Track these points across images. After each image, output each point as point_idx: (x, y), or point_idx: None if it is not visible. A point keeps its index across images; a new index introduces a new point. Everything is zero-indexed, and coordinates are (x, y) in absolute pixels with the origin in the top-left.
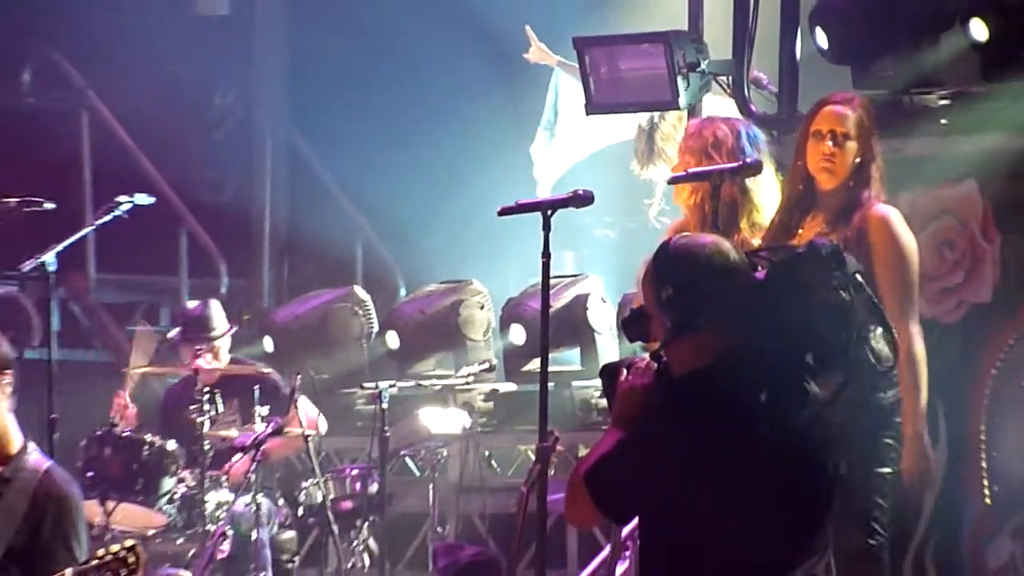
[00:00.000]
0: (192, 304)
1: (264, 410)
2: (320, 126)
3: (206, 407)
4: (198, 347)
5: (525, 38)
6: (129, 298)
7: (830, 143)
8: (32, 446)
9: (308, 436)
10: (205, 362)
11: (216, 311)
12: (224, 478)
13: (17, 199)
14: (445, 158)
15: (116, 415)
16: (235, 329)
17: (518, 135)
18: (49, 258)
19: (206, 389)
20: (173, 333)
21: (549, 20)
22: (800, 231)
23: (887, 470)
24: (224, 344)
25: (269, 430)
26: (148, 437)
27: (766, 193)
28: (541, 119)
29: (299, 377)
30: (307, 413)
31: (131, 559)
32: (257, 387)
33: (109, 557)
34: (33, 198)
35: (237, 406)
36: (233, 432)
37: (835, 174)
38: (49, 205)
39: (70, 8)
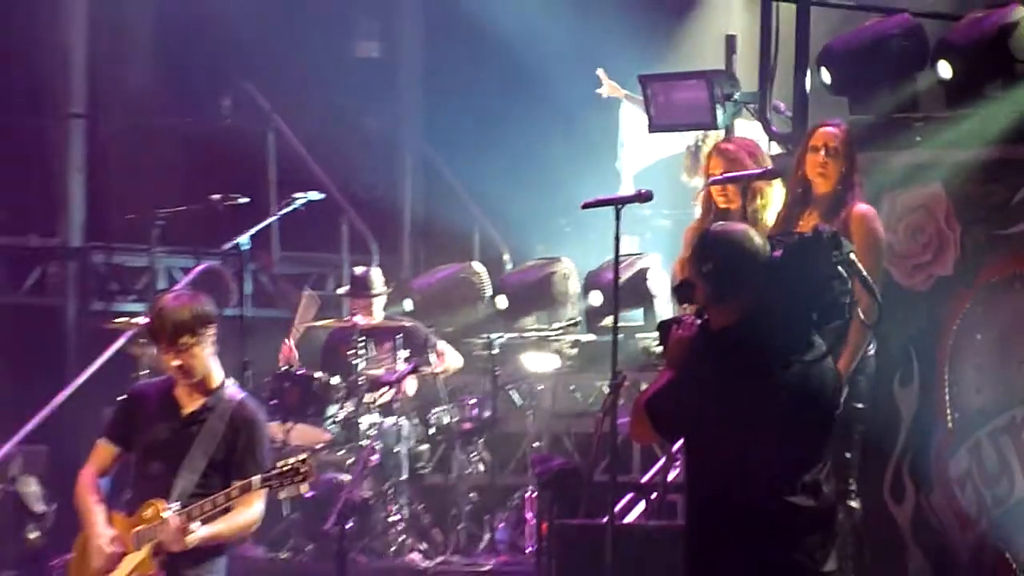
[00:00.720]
0: (359, 269)
1: (405, 353)
2: (448, 140)
3: (361, 351)
4: (361, 301)
5: (598, 78)
6: (303, 270)
7: (823, 155)
8: (230, 381)
9: (438, 374)
10: (361, 316)
11: (376, 276)
12: (374, 404)
13: (220, 196)
14: (543, 162)
15: (282, 358)
16: (390, 290)
17: (599, 146)
18: (244, 240)
19: (362, 337)
20: (343, 290)
21: (619, 61)
22: (800, 223)
23: (860, 405)
24: (379, 302)
25: (408, 369)
26: (317, 374)
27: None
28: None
29: (432, 329)
30: (447, 352)
31: (304, 468)
32: (400, 336)
33: (287, 467)
34: (232, 195)
35: (387, 350)
36: (381, 370)
37: (827, 179)
38: (244, 200)
39: (261, 50)
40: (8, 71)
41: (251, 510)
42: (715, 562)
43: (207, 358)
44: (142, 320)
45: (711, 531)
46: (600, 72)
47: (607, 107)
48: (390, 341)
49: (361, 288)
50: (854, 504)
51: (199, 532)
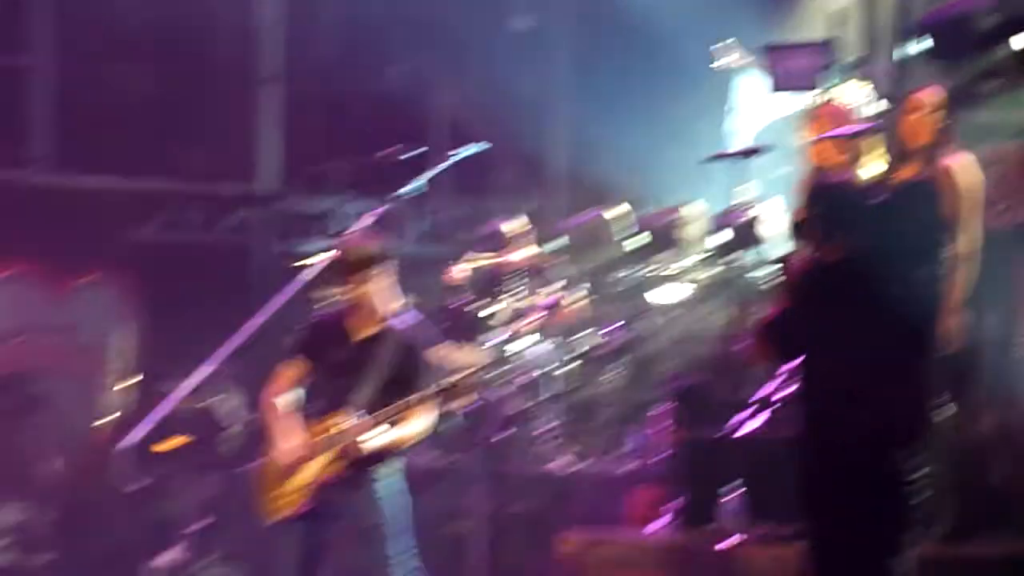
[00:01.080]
0: (490, 226)
1: (553, 287)
2: (594, 100)
3: (516, 283)
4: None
5: (725, 47)
6: (469, 212)
7: (921, 114)
8: (402, 310)
9: (583, 304)
10: (515, 256)
11: (507, 226)
12: (529, 329)
13: (396, 148)
14: (677, 118)
15: (448, 281)
16: (525, 230)
17: (721, 108)
18: (417, 186)
19: (516, 271)
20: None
21: (743, 32)
22: (900, 173)
23: None
24: (518, 245)
25: (555, 300)
26: (479, 303)
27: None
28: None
29: (576, 266)
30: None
31: (468, 384)
32: (549, 271)
33: (453, 383)
34: (407, 147)
35: (538, 282)
36: (533, 300)
37: (924, 135)
38: (418, 151)
39: (432, 22)
40: (214, 38)
41: (422, 420)
42: (826, 466)
43: (384, 289)
44: (327, 257)
45: (822, 440)
46: (727, 43)
47: (730, 73)
48: (540, 275)
49: (493, 243)
50: (948, 410)
51: (380, 438)
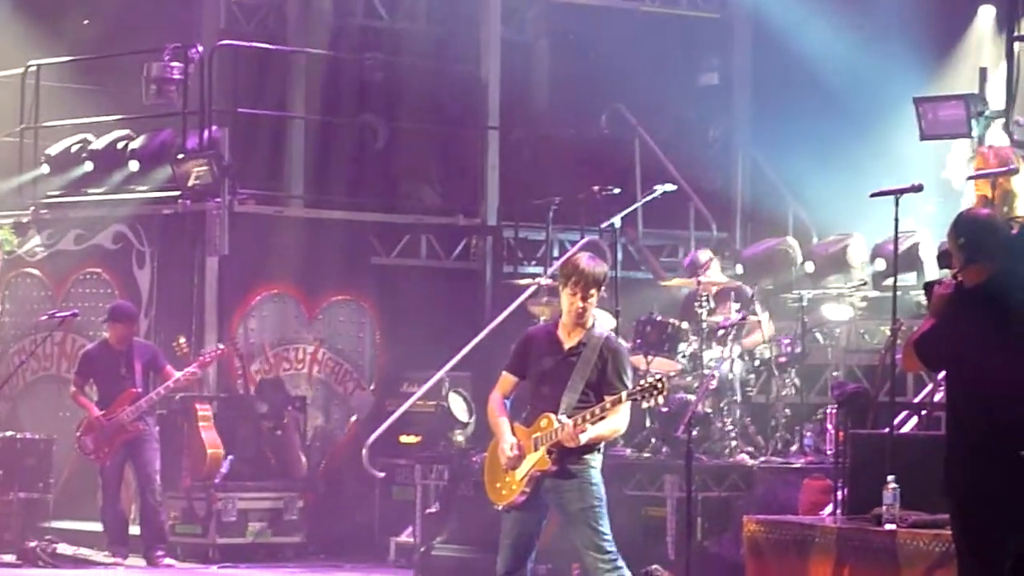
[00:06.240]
0: (689, 256)
1: (736, 306)
2: (770, 144)
3: (705, 304)
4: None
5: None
6: (660, 242)
7: None
8: (600, 323)
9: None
10: (705, 279)
11: (702, 255)
12: (714, 343)
13: (598, 187)
14: (842, 160)
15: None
16: (714, 258)
17: (886, 144)
18: (616, 220)
19: (705, 294)
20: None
21: (897, 86)
22: None
23: None
24: (712, 270)
25: (739, 319)
26: (671, 320)
27: None
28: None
29: (756, 288)
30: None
31: (660, 386)
32: (733, 293)
33: (648, 384)
34: (607, 187)
35: (724, 304)
36: (719, 318)
37: None
38: (616, 191)
39: (628, 78)
40: (443, 95)
41: (620, 418)
42: (970, 461)
43: (595, 305)
44: (542, 280)
45: (966, 441)
46: None
47: (891, 114)
48: (727, 298)
49: (693, 270)
50: None
51: (589, 432)
